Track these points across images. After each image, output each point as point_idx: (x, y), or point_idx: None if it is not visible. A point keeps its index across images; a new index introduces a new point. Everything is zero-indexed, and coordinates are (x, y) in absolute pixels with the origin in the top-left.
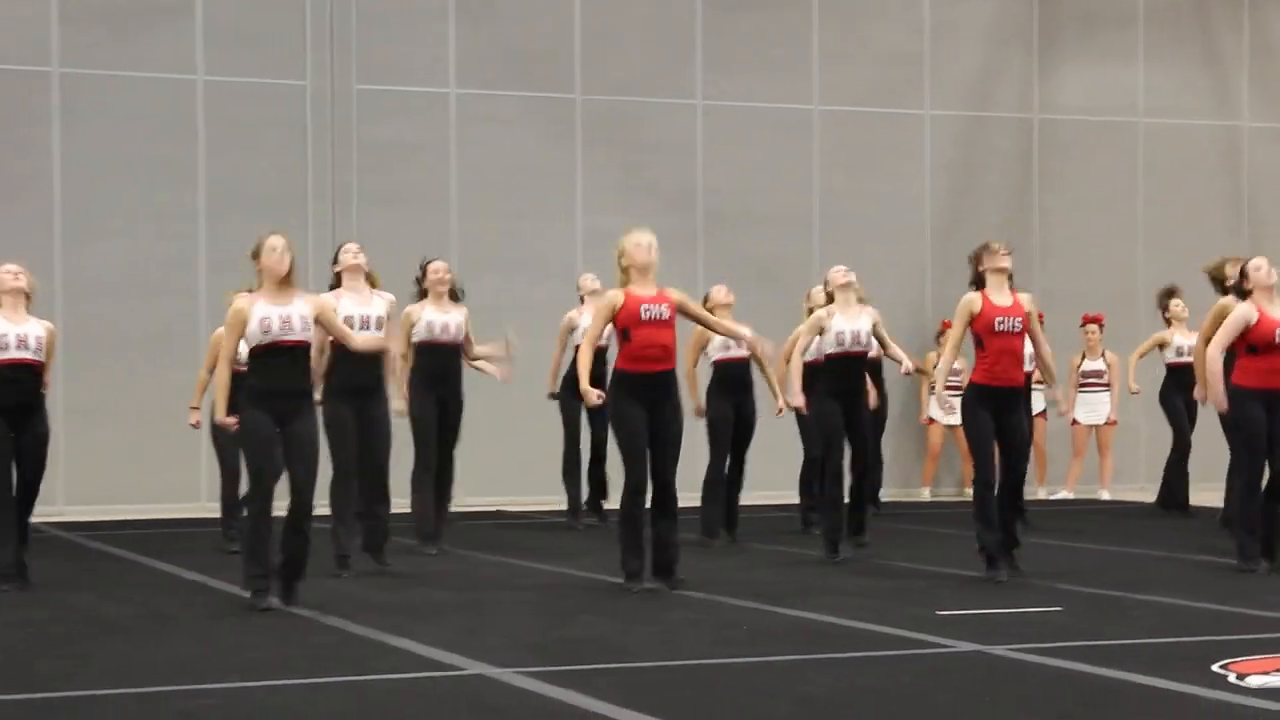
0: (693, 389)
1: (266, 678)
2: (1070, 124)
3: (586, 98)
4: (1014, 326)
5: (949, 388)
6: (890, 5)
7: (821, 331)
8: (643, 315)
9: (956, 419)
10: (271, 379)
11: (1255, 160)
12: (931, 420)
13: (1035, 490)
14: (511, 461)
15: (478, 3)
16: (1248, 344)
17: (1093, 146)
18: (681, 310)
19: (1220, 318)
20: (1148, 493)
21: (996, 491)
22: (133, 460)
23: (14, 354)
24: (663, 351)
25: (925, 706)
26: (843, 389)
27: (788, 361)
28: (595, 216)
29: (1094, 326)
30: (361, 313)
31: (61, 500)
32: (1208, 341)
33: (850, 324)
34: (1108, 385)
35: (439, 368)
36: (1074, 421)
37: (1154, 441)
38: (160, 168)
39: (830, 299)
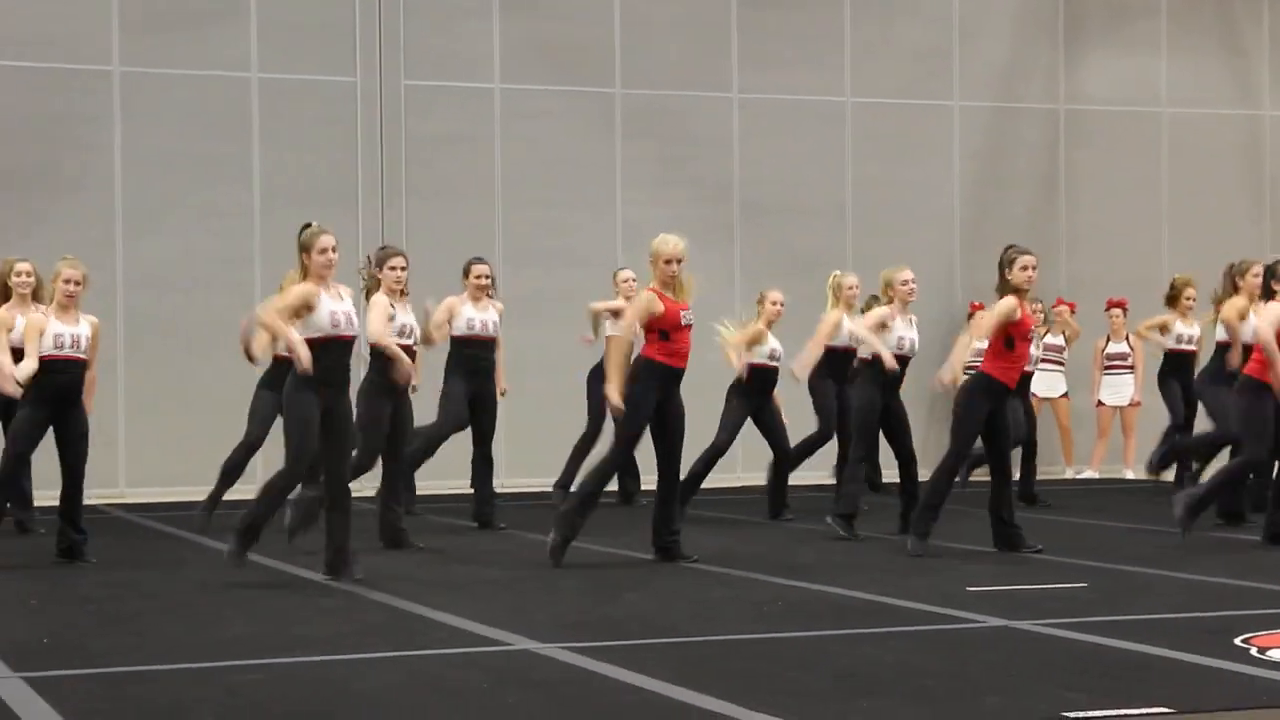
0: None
1: (316, 653)
2: (1095, 114)
3: (626, 92)
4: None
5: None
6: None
7: (884, 327)
8: (682, 321)
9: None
10: (324, 369)
11: (1277, 149)
12: None
13: (1062, 470)
14: (554, 443)
15: (521, 1)
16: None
17: (1117, 136)
18: None
19: (1241, 313)
20: (1169, 472)
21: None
22: (190, 444)
23: (67, 352)
24: (688, 351)
25: (955, 679)
26: (889, 384)
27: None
28: (634, 208)
29: (1118, 310)
30: (404, 320)
31: (122, 482)
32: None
33: (908, 331)
34: (1131, 367)
35: (475, 361)
36: (1099, 403)
37: None
38: (216, 163)
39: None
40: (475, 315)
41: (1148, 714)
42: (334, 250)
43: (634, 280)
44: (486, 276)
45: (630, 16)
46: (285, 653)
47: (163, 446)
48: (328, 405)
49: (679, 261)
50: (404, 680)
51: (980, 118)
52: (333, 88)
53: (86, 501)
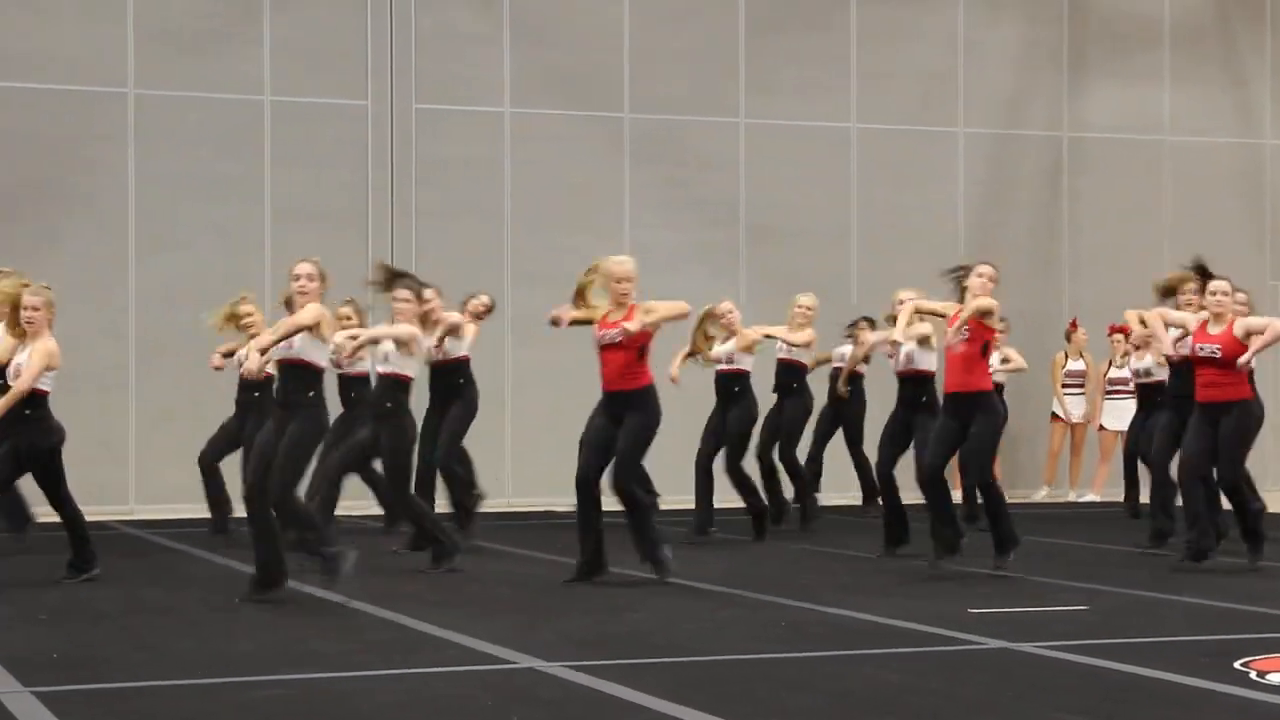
0: None
1: (326, 670)
2: (1098, 142)
3: (634, 117)
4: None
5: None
6: (925, 27)
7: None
8: (600, 338)
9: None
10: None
11: (1278, 177)
12: (1055, 417)
13: (1065, 492)
14: (559, 463)
15: (531, 27)
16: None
17: (1120, 163)
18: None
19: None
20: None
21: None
22: None
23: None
24: (613, 371)
25: (954, 701)
26: (908, 401)
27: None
28: (642, 231)
29: (1120, 336)
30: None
31: (132, 499)
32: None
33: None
34: (1133, 392)
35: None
36: (1101, 427)
37: None
38: (228, 184)
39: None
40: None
41: None
42: (310, 278)
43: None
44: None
45: (639, 42)
46: (293, 669)
47: (173, 463)
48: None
49: (628, 281)
50: (409, 698)
51: (984, 144)
52: (344, 111)
53: (96, 518)
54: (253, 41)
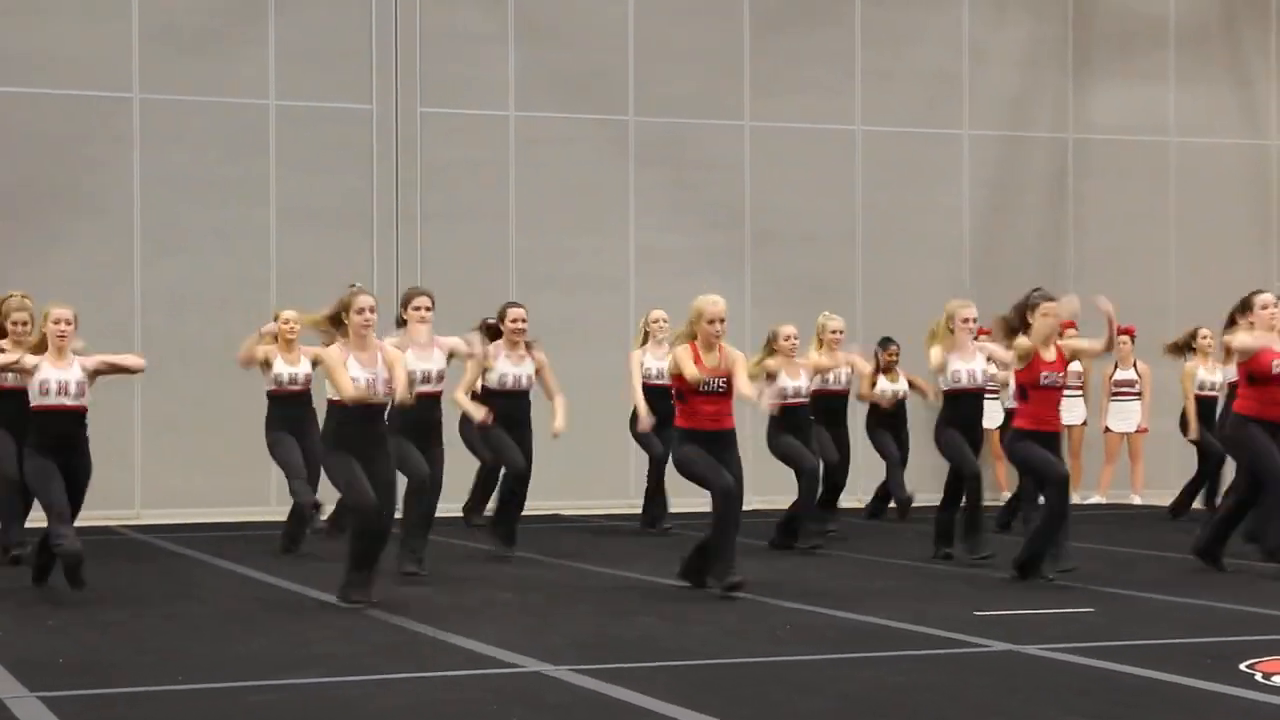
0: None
1: (333, 674)
2: (1104, 143)
3: (639, 119)
4: (1056, 381)
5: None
6: (930, 28)
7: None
8: (700, 389)
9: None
10: (351, 426)
11: None
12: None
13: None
14: (569, 467)
15: (535, 29)
16: (1248, 374)
17: (1126, 165)
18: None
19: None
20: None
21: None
22: (205, 466)
23: (54, 400)
24: (716, 413)
25: (959, 703)
26: (961, 423)
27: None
28: (647, 233)
29: (1125, 338)
30: (423, 368)
31: (138, 504)
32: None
33: (966, 363)
34: (1139, 394)
35: (512, 411)
36: (1106, 429)
37: (1184, 448)
38: (233, 188)
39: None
40: (510, 369)
41: None
42: (372, 310)
43: (665, 321)
44: (524, 320)
45: (644, 44)
46: (300, 673)
47: (179, 468)
48: (361, 459)
49: (720, 322)
50: (416, 701)
51: (990, 146)
52: (349, 114)
53: (101, 523)
54: (257, 45)
